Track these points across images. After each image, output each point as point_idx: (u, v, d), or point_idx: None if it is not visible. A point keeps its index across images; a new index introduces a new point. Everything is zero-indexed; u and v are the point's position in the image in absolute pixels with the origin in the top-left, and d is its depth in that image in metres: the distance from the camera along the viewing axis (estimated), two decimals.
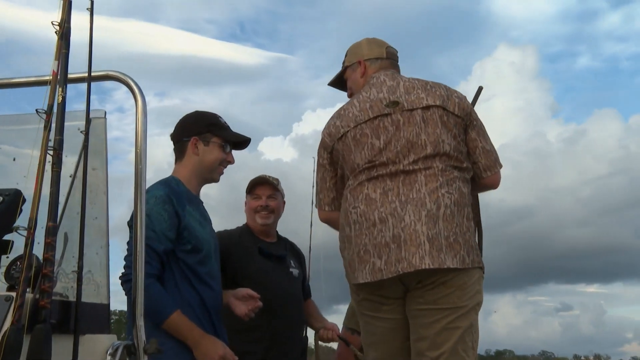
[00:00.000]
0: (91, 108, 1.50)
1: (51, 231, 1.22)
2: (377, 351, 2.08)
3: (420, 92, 2.06)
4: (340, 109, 2.18)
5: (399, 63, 2.35)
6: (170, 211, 2.07)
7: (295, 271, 2.96)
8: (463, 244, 1.90)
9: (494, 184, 2.14)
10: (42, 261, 1.22)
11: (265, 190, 2.96)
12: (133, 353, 1.52)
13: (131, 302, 1.62)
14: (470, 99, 2.25)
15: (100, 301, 1.51)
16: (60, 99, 1.26)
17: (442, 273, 1.87)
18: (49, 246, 1.22)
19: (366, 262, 1.92)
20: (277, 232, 3.08)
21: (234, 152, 2.33)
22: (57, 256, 1.44)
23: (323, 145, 2.18)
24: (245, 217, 3.04)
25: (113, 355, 1.46)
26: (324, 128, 2.19)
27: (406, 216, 1.88)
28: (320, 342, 3.06)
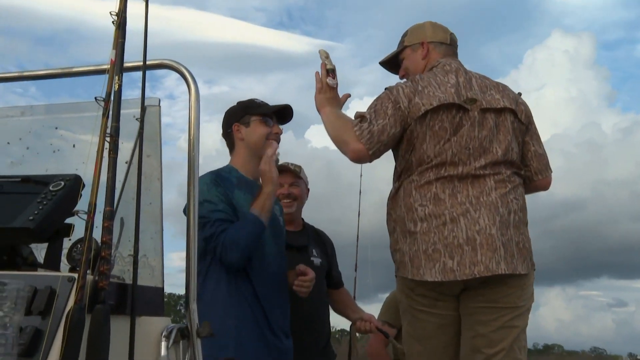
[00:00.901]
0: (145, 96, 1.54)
1: (108, 215, 1.26)
2: (423, 345, 2.08)
3: (494, 93, 2.05)
4: (416, 84, 2.05)
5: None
6: (220, 190, 2.19)
7: (317, 260, 2.90)
8: (529, 250, 1.96)
9: (545, 187, 2.16)
10: (100, 244, 1.26)
11: (287, 178, 2.89)
12: (186, 336, 1.56)
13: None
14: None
15: (154, 284, 1.55)
16: (117, 87, 1.29)
17: (513, 277, 1.91)
18: (107, 230, 1.26)
19: (435, 261, 1.90)
20: (302, 219, 3.04)
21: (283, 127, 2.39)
22: (114, 240, 1.49)
23: (399, 109, 2.02)
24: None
25: (167, 337, 1.50)
26: (404, 94, 2.04)
27: (480, 219, 1.88)
28: (356, 334, 3.03)
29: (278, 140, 2.32)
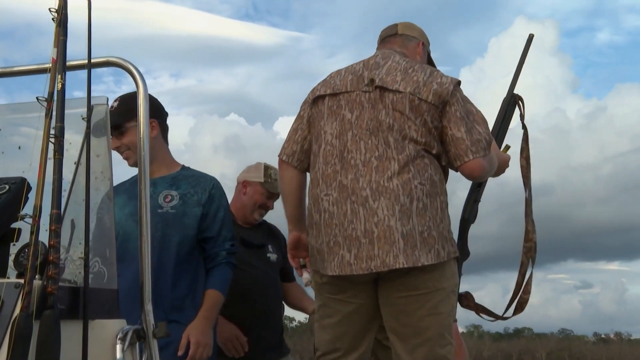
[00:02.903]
0: (108, 90, 1.51)
1: (55, 218, 1.23)
2: (330, 334, 2.04)
3: (398, 75, 2.01)
4: (330, 75, 2.18)
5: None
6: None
7: (273, 256, 2.98)
8: (437, 237, 1.86)
9: (468, 174, 2.01)
10: (47, 248, 1.23)
11: (273, 200, 3.01)
12: (142, 337, 1.54)
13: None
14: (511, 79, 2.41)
15: (108, 286, 1.52)
16: (60, 86, 1.26)
17: (417, 269, 1.85)
18: (54, 233, 1.23)
19: (335, 254, 1.88)
20: None
21: None
22: (64, 243, 1.46)
23: (306, 102, 2.18)
24: (235, 198, 3.03)
25: (123, 339, 1.48)
26: (312, 89, 2.18)
27: (379, 210, 1.82)
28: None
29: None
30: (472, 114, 2.02)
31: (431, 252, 1.83)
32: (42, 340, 1.16)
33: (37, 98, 1.25)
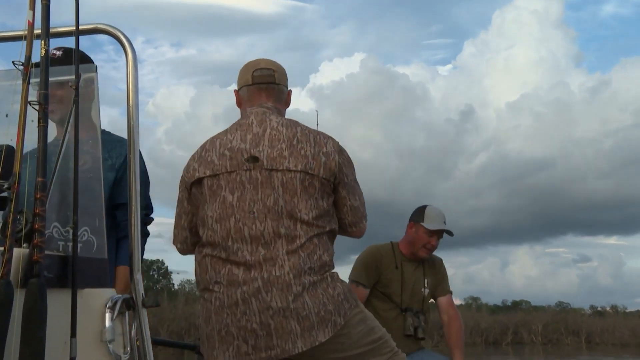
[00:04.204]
0: (109, 59, 1.48)
1: (41, 186, 1.22)
2: None
3: (284, 149, 1.89)
4: (204, 146, 1.99)
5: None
6: None
7: None
8: (333, 309, 1.82)
9: (358, 236, 2.10)
10: (33, 216, 1.22)
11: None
12: (132, 306, 1.55)
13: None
14: None
15: (98, 255, 1.52)
16: (44, 51, 1.23)
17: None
18: (39, 201, 1.22)
19: (229, 344, 1.80)
20: None
21: None
22: (53, 212, 1.45)
23: (183, 182, 2.00)
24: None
25: (112, 308, 1.49)
26: (187, 162, 2.00)
27: (273, 303, 1.77)
28: None
29: None
30: (354, 175, 2.04)
31: (328, 326, 1.80)
32: (28, 307, 1.16)
33: (13, 62, 1.22)
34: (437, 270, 3.24)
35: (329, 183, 1.92)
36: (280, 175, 1.86)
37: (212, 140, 1.99)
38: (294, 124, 1.98)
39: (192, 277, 2.42)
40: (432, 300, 3.25)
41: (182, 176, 2.02)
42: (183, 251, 2.10)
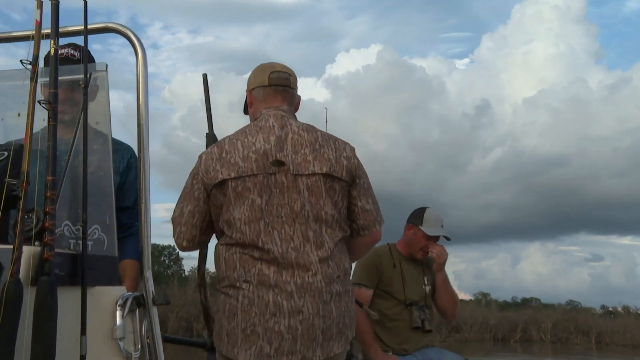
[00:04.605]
0: (122, 59, 1.49)
1: (51, 185, 1.23)
2: None
3: (308, 154, 1.90)
4: (222, 147, 1.95)
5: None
6: None
7: None
8: (349, 323, 1.90)
9: (371, 243, 2.08)
10: (44, 215, 1.23)
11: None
12: (142, 304, 1.55)
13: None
14: None
15: (108, 253, 1.53)
16: (53, 51, 1.23)
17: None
18: (50, 200, 1.23)
19: (252, 343, 1.81)
20: None
21: None
22: (65, 210, 1.46)
23: (201, 182, 1.93)
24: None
25: (122, 306, 1.50)
26: (204, 161, 1.94)
27: (304, 308, 1.82)
28: None
29: None
30: (367, 180, 2.04)
31: (342, 339, 1.88)
32: (39, 305, 1.17)
33: (21, 61, 1.23)
34: None
35: (347, 185, 1.95)
36: (306, 180, 1.89)
37: (231, 141, 1.96)
38: (313, 128, 2.01)
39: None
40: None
41: (199, 175, 1.94)
42: (187, 249, 2.03)
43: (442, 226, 3.18)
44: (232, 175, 1.88)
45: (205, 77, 2.13)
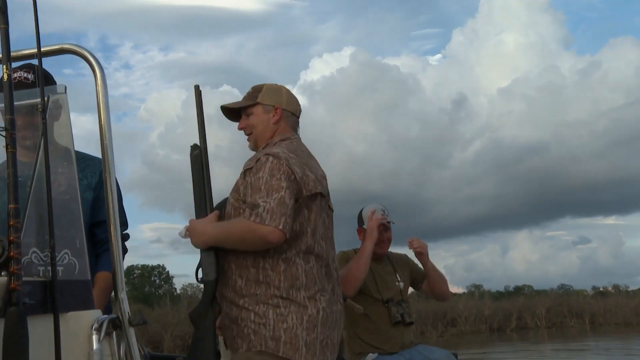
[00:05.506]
0: (80, 67, 1.46)
1: (14, 213, 1.21)
2: None
3: (324, 182, 2.12)
4: (300, 160, 1.99)
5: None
6: None
7: None
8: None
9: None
10: (8, 244, 1.20)
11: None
12: (119, 326, 1.53)
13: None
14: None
15: (80, 278, 1.51)
16: (6, 77, 1.21)
17: None
18: (14, 228, 1.21)
19: (325, 356, 1.96)
20: None
21: None
22: (32, 237, 1.44)
23: (294, 184, 1.91)
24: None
25: (98, 330, 1.47)
26: (298, 169, 1.94)
27: (342, 325, 2.11)
28: None
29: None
30: None
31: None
32: (8, 337, 1.15)
33: None
34: (405, 263, 3.31)
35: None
36: (331, 214, 2.15)
37: (300, 159, 2.00)
38: (306, 149, 2.18)
39: (194, 281, 2.32)
40: (413, 290, 3.37)
41: (293, 175, 1.90)
42: (280, 243, 1.87)
43: (383, 212, 3.12)
44: (319, 190, 2.03)
45: (197, 88, 2.12)
